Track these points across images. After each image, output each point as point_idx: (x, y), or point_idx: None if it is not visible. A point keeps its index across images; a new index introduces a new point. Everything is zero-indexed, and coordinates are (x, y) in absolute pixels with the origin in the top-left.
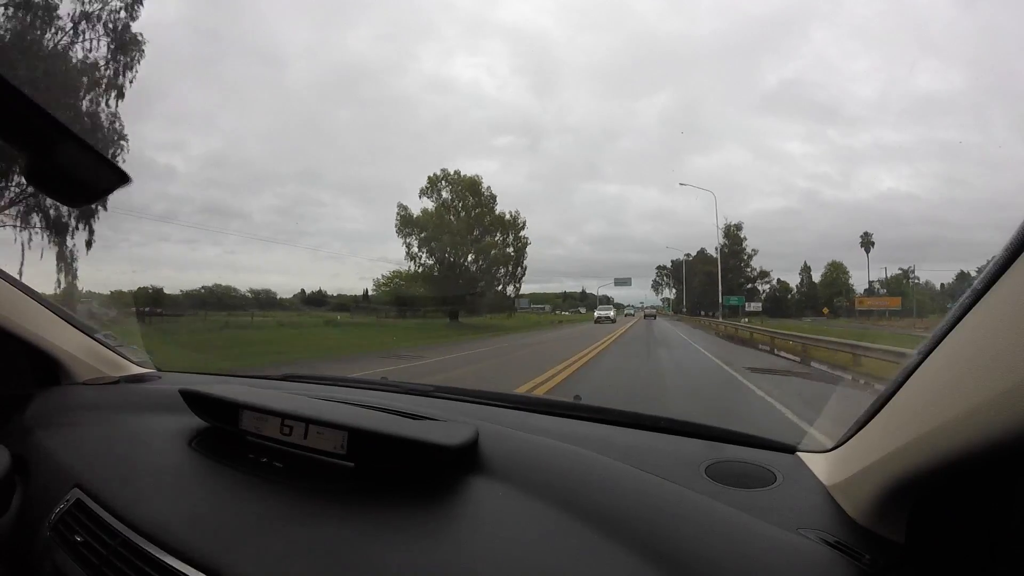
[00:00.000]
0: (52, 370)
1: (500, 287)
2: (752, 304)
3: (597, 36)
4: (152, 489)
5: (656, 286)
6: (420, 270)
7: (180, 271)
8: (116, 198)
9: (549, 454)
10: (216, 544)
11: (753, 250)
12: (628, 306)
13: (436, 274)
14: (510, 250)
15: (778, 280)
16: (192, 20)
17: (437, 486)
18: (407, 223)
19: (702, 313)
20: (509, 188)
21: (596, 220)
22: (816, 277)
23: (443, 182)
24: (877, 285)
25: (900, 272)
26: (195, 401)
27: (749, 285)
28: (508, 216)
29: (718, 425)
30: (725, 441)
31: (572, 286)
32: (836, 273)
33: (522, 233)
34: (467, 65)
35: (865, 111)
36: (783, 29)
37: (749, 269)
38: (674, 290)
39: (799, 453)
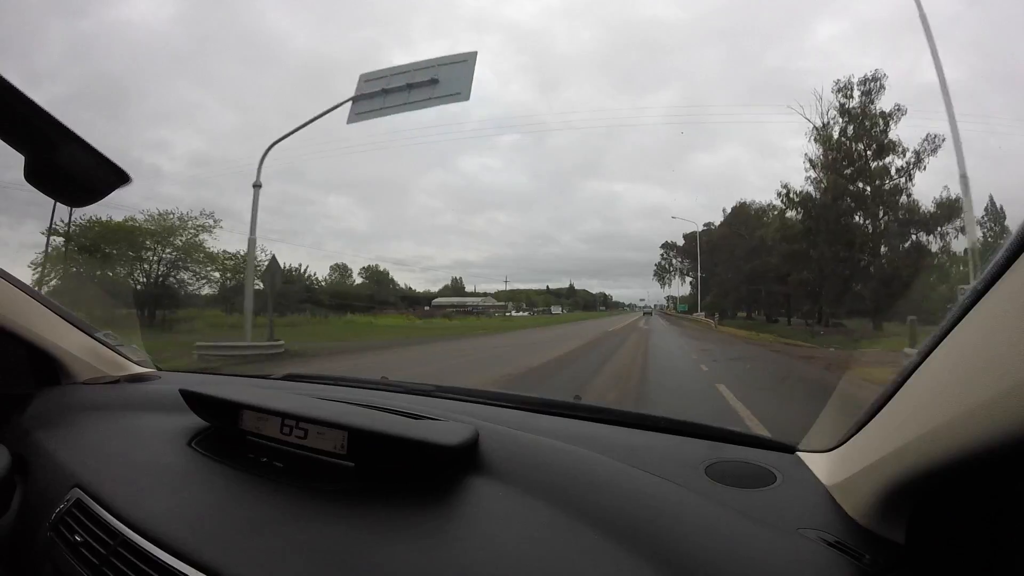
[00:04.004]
0: (52, 370)
1: None
2: None
3: (597, 30)
4: (152, 489)
5: (662, 273)
6: None
7: None
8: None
9: (549, 454)
10: (216, 544)
11: (931, 139)
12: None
13: None
14: None
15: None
16: (181, 18)
17: (437, 486)
18: None
19: (732, 315)
20: (508, 187)
21: (591, 218)
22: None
23: None
24: None
25: None
26: (195, 401)
27: (914, 234)
28: None
29: (718, 425)
30: (725, 441)
31: (565, 284)
32: None
33: None
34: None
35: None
36: (776, 19)
37: (907, 197)
38: (688, 277)
39: (799, 453)
